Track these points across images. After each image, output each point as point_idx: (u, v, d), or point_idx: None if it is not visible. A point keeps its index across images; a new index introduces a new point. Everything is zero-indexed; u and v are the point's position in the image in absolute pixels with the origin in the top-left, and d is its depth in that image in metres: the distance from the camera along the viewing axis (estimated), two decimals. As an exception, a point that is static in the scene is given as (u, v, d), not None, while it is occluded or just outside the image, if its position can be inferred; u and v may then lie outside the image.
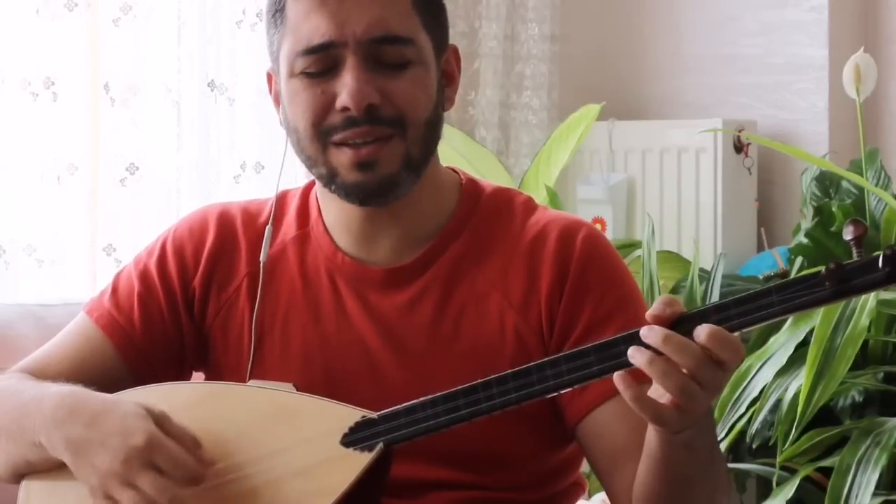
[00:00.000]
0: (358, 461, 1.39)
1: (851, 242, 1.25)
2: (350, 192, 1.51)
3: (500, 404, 1.35)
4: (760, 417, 2.58)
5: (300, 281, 1.58)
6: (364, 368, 1.54)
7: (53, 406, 1.45)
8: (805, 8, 3.43)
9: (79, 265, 2.87)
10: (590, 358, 1.32)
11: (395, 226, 1.56)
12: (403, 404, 1.39)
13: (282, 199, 1.64)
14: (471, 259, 1.56)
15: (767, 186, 3.49)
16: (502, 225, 1.58)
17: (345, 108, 1.47)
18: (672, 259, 3.20)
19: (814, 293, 1.26)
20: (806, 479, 2.60)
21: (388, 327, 1.54)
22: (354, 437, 1.40)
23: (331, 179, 1.51)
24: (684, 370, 1.27)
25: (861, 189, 2.95)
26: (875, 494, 2.41)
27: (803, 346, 2.53)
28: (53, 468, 1.46)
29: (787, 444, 2.49)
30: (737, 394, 2.59)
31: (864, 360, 2.70)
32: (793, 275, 2.93)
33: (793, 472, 2.61)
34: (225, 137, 3.04)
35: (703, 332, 1.27)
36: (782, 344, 2.57)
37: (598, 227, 3.38)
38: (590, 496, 1.70)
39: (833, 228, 2.89)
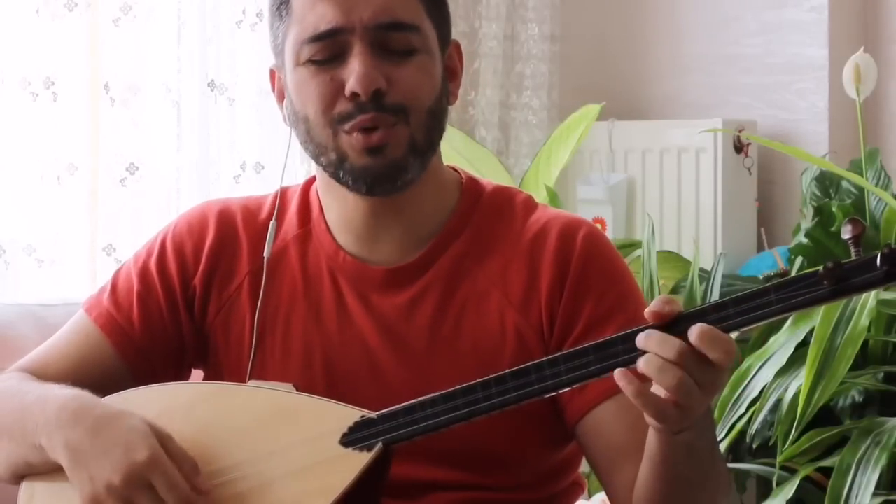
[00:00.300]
0: (357, 461, 1.39)
1: (849, 241, 1.25)
2: (358, 177, 1.50)
3: (498, 404, 1.35)
4: (760, 417, 2.58)
5: (301, 280, 1.58)
6: (365, 368, 1.54)
7: (57, 408, 1.45)
8: (805, 8, 3.43)
9: (79, 265, 2.87)
10: (588, 357, 1.32)
11: (398, 223, 1.55)
12: (402, 404, 1.39)
13: (282, 196, 1.63)
14: (472, 258, 1.56)
15: (767, 186, 3.49)
16: (503, 223, 1.58)
17: (354, 94, 1.47)
18: (672, 259, 3.20)
19: (812, 292, 1.26)
20: (806, 479, 2.60)
21: (389, 327, 1.54)
22: (353, 437, 1.40)
23: (340, 165, 1.51)
24: (678, 367, 1.26)
25: (861, 189, 2.95)
26: (875, 494, 2.41)
27: (803, 346, 2.53)
28: (54, 470, 1.45)
29: (787, 444, 2.49)
30: (737, 394, 2.59)
31: (864, 360, 2.70)
32: (793, 275, 2.93)
33: (793, 472, 2.60)
34: (225, 137, 3.04)
35: (693, 331, 1.27)
36: (782, 344, 2.57)
37: (598, 227, 3.37)
38: (590, 496, 1.70)
39: (833, 228, 2.89)
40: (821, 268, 1.24)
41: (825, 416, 2.65)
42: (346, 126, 1.49)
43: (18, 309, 2.20)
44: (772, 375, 2.56)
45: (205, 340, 1.61)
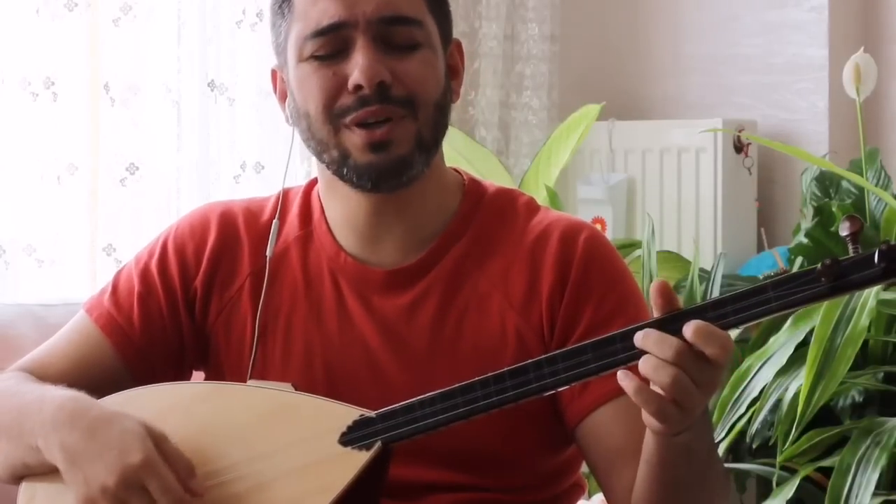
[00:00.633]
0: (356, 460, 1.39)
1: (847, 238, 1.25)
2: (362, 174, 1.50)
3: (497, 402, 1.35)
4: (760, 417, 2.58)
5: (303, 281, 1.58)
6: (365, 369, 1.54)
7: (54, 409, 1.45)
8: (805, 8, 3.43)
9: (79, 265, 2.87)
10: (587, 356, 1.32)
11: (400, 222, 1.55)
12: (401, 403, 1.39)
13: (284, 197, 1.63)
14: (473, 260, 1.56)
15: (767, 186, 3.49)
16: (505, 225, 1.57)
17: (357, 87, 1.47)
18: (672, 259, 3.20)
19: (810, 289, 1.26)
20: (806, 479, 2.60)
21: (390, 329, 1.54)
22: (352, 436, 1.40)
23: (343, 162, 1.50)
24: (672, 365, 1.26)
25: (861, 189, 2.95)
26: (875, 494, 2.41)
27: (803, 346, 2.53)
28: (51, 471, 1.45)
29: (787, 444, 2.49)
30: (737, 394, 2.59)
31: (864, 360, 2.70)
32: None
33: (793, 472, 2.60)
34: (225, 137, 3.04)
35: (689, 327, 1.27)
36: (782, 344, 2.57)
37: (598, 227, 3.37)
38: (589, 496, 1.70)
39: (833, 228, 2.89)
40: (819, 265, 1.24)
41: (825, 416, 2.65)
42: (347, 119, 1.48)
43: (18, 309, 2.20)
44: (772, 375, 2.56)
45: (205, 342, 1.61)
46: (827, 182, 3.10)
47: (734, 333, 1.34)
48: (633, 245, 3.14)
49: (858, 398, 2.75)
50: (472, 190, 1.60)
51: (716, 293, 2.94)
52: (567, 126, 3.15)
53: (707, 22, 3.60)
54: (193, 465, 1.41)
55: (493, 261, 1.55)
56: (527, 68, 3.57)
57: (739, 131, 3.37)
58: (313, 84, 1.50)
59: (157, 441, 1.40)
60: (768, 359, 2.58)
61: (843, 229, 1.25)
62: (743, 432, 2.60)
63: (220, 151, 3.03)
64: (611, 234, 3.41)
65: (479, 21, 3.50)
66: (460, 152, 3.08)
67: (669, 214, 3.45)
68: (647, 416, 1.31)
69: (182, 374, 1.63)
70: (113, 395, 1.50)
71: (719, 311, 1.28)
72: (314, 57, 1.50)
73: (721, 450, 2.59)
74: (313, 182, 1.63)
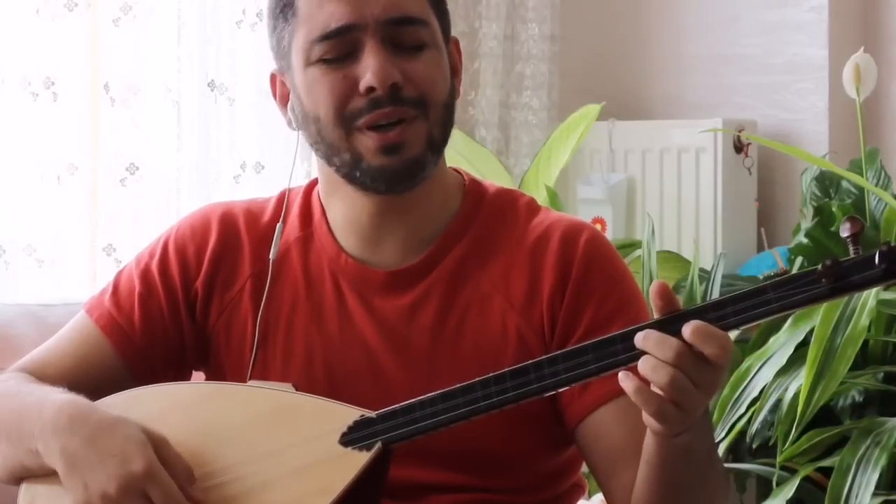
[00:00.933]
0: (356, 460, 1.39)
1: (848, 239, 1.25)
2: (377, 177, 1.50)
3: (498, 403, 1.35)
4: (760, 417, 2.58)
5: (303, 282, 1.58)
6: (366, 371, 1.54)
7: (54, 413, 1.44)
8: (805, 8, 3.43)
9: (79, 265, 2.87)
10: (587, 356, 1.32)
11: (402, 223, 1.55)
12: (401, 403, 1.39)
13: (285, 198, 1.63)
14: (474, 260, 1.55)
15: (767, 186, 3.49)
16: (506, 226, 1.57)
17: (369, 89, 1.47)
18: (672, 259, 3.20)
19: (810, 290, 1.26)
20: (806, 479, 2.60)
21: (391, 330, 1.54)
22: (353, 437, 1.40)
23: (355, 165, 1.50)
24: (671, 365, 1.27)
25: (861, 189, 2.95)
26: (875, 494, 2.41)
27: (803, 346, 2.53)
28: (52, 474, 1.45)
29: (787, 444, 2.49)
30: (737, 394, 2.59)
31: (864, 360, 2.70)
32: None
33: (793, 472, 2.60)
34: (225, 137, 3.04)
35: (687, 328, 1.27)
36: (782, 344, 2.57)
37: (598, 227, 3.38)
38: (589, 496, 1.70)
39: (833, 228, 2.89)
40: (819, 266, 1.24)
41: (825, 416, 2.65)
42: (359, 122, 1.48)
43: (18, 309, 2.20)
44: (772, 375, 2.56)
45: (206, 343, 1.61)
46: (827, 182, 3.10)
47: (734, 334, 1.34)
48: (633, 245, 3.14)
49: (858, 398, 2.75)
50: (473, 190, 1.60)
51: (716, 293, 2.94)
52: (567, 126, 3.15)
53: (707, 22, 3.60)
54: (193, 471, 1.41)
55: (493, 261, 1.55)
56: (527, 68, 3.57)
57: (739, 131, 3.37)
58: (323, 88, 1.49)
59: (158, 446, 1.40)
60: (768, 359, 2.58)
61: (844, 230, 1.25)
62: (743, 432, 2.60)
63: (220, 151, 3.03)
64: (611, 234, 3.41)
65: (479, 21, 3.50)
66: (460, 152, 3.08)
67: (669, 214, 3.45)
68: (646, 417, 1.31)
69: (182, 375, 1.63)
70: (113, 395, 1.50)
71: (719, 312, 1.28)
72: (322, 60, 1.49)
73: (721, 450, 2.59)
74: (314, 183, 1.63)
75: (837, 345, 2.45)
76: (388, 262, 1.56)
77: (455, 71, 1.57)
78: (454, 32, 1.60)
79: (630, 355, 1.30)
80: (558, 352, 1.35)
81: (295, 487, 1.40)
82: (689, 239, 3.37)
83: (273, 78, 1.59)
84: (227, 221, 1.62)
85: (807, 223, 3.01)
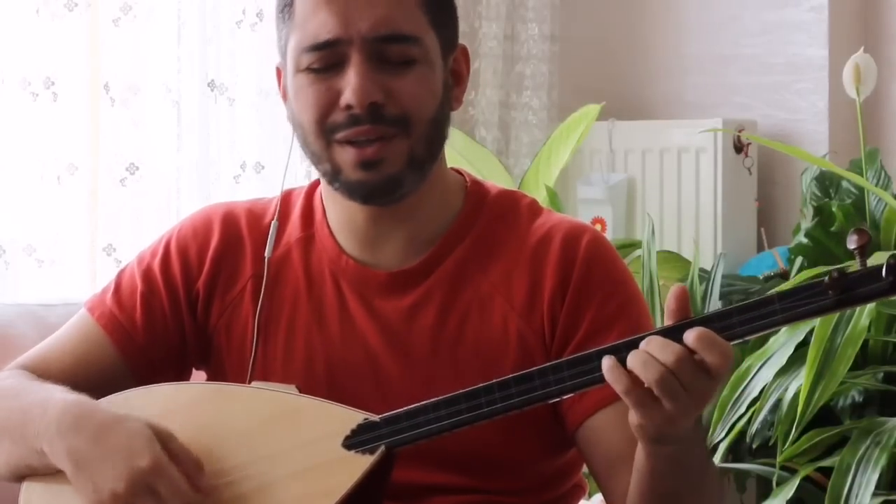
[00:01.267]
0: (359, 464, 1.39)
1: (855, 251, 1.25)
2: (354, 191, 1.50)
3: (501, 408, 1.35)
4: (760, 417, 2.58)
5: (304, 283, 1.58)
6: (367, 372, 1.54)
7: (58, 414, 1.44)
8: (805, 8, 3.43)
9: (79, 265, 2.86)
10: (592, 364, 1.32)
11: (401, 227, 1.55)
12: (406, 408, 1.39)
13: (286, 199, 1.63)
14: (475, 262, 1.55)
15: (767, 186, 3.49)
16: (507, 228, 1.57)
17: (348, 106, 1.47)
18: (672, 259, 3.20)
19: (817, 302, 1.26)
20: (806, 479, 2.60)
21: (392, 331, 1.54)
22: (356, 440, 1.40)
23: (335, 177, 1.51)
24: (667, 367, 1.27)
25: (861, 189, 2.95)
26: (875, 494, 2.41)
27: (803, 346, 2.53)
28: (55, 472, 1.45)
29: (787, 444, 2.49)
30: (737, 394, 2.59)
31: (864, 360, 2.70)
32: (793, 275, 2.93)
33: (793, 472, 2.61)
34: (225, 137, 3.04)
35: (692, 334, 1.27)
36: (782, 344, 2.57)
37: (598, 227, 3.38)
38: (589, 497, 1.70)
39: (833, 228, 2.89)
40: (826, 277, 1.24)
41: (825, 416, 2.65)
42: (339, 136, 1.48)
43: (18, 309, 2.19)
44: (772, 375, 2.56)
45: (207, 343, 1.61)
46: (827, 182, 3.10)
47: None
48: (633, 245, 3.14)
49: (858, 398, 2.75)
50: (475, 192, 1.60)
51: (716, 293, 2.94)
52: (567, 126, 3.15)
53: (707, 22, 3.60)
54: (201, 462, 1.41)
55: (495, 263, 1.55)
56: (527, 68, 3.57)
57: (739, 131, 3.37)
58: (308, 97, 1.50)
59: (164, 441, 1.40)
60: (768, 359, 2.58)
61: (851, 242, 1.25)
62: (743, 432, 2.61)
63: (220, 151, 3.03)
64: (611, 234, 3.41)
65: (479, 21, 3.50)
66: (460, 152, 3.08)
67: (669, 214, 3.45)
68: (631, 416, 1.31)
69: (183, 375, 1.63)
70: (114, 394, 1.50)
71: (725, 322, 1.28)
72: (310, 69, 1.50)
73: (721, 450, 2.59)
74: (316, 183, 1.63)
75: (837, 345, 2.45)
76: (389, 264, 1.56)
77: (459, 79, 1.57)
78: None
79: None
80: (563, 359, 1.35)
81: (298, 490, 1.40)
82: (689, 239, 3.37)
83: (278, 72, 1.59)
84: (229, 222, 1.62)
85: (807, 223, 3.01)
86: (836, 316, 2.47)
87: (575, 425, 1.52)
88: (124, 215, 2.90)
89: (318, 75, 1.49)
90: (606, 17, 3.76)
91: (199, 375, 1.66)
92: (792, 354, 2.55)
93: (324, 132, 1.49)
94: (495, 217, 1.58)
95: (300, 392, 1.46)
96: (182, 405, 1.47)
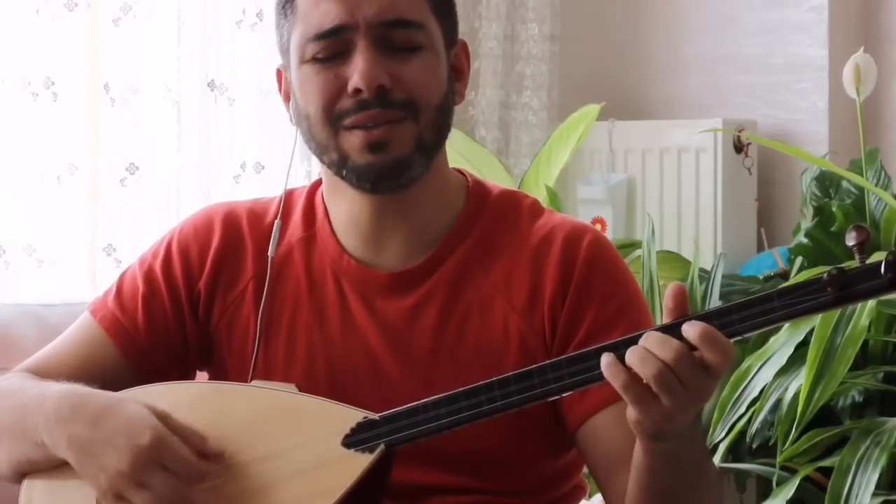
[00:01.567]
0: (359, 462, 1.39)
1: (854, 248, 1.25)
2: (361, 175, 1.50)
3: (501, 406, 1.35)
4: (760, 417, 2.58)
5: (306, 283, 1.58)
6: (368, 372, 1.54)
7: (55, 404, 1.45)
8: (805, 8, 3.43)
9: (79, 265, 2.86)
10: (592, 361, 1.32)
11: (403, 224, 1.55)
12: (405, 406, 1.40)
13: (288, 198, 1.63)
14: (476, 262, 1.55)
15: (767, 186, 3.49)
16: (509, 228, 1.57)
17: (356, 91, 1.47)
18: (672, 259, 3.20)
19: (816, 299, 1.26)
20: (806, 479, 2.60)
21: (393, 332, 1.54)
22: (356, 439, 1.40)
23: (342, 164, 1.51)
24: (665, 363, 1.27)
25: (861, 189, 2.95)
26: (875, 494, 2.41)
27: (803, 346, 2.53)
28: (56, 467, 1.46)
29: (787, 444, 2.49)
30: (737, 394, 2.59)
31: (864, 360, 2.71)
32: (793, 275, 2.93)
33: (793, 472, 2.61)
34: (225, 137, 3.04)
35: (695, 330, 1.27)
36: (782, 344, 2.57)
37: (598, 227, 3.38)
38: (590, 497, 1.70)
39: (833, 228, 2.89)
40: (825, 274, 1.24)
41: (825, 416, 2.65)
42: (347, 122, 1.48)
43: (18, 309, 2.19)
44: (772, 375, 2.56)
45: (209, 343, 1.61)
46: (827, 182, 3.10)
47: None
48: (633, 245, 3.14)
49: (858, 398, 2.75)
50: (476, 192, 1.60)
51: (716, 293, 2.94)
52: (567, 126, 3.15)
53: (707, 22, 3.60)
54: (204, 434, 1.41)
55: (496, 263, 1.55)
56: (527, 68, 3.57)
57: (739, 131, 3.37)
58: (314, 86, 1.50)
59: (162, 418, 1.40)
60: (768, 359, 2.58)
61: (850, 239, 1.25)
62: (743, 432, 2.61)
63: (220, 151, 3.03)
64: (611, 234, 3.41)
65: (479, 21, 3.50)
66: (460, 152, 3.08)
67: (669, 214, 3.45)
68: (629, 412, 1.31)
69: (186, 375, 1.63)
70: (115, 394, 1.50)
71: (725, 319, 1.28)
72: (315, 59, 1.50)
73: (721, 450, 2.59)
74: (318, 183, 1.63)
75: (837, 345, 2.45)
76: (391, 264, 1.56)
77: (460, 74, 1.57)
78: (455, 32, 1.60)
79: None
80: (562, 357, 1.35)
81: (297, 488, 1.40)
82: (689, 239, 3.37)
83: (279, 74, 1.60)
84: (231, 222, 1.62)
85: (807, 223, 3.01)
86: (835, 316, 2.47)
87: (575, 426, 1.52)
88: (124, 215, 2.90)
89: (323, 64, 1.49)
90: (606, 17, 3.76)
91: (202, 377, 1.66)
92: (792, 354, 2.55)
93: (331, 120, 1.49)
94: (497, 217, 1.58)
95: (300, 391, 1.46)
96: (182, 404, 1.47)
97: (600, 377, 1.31)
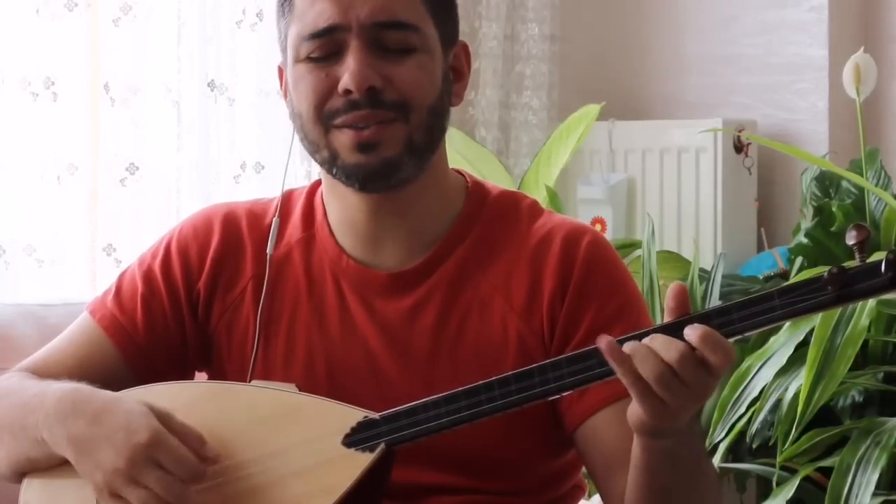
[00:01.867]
0: (359, 462, 1.39)
1: (854, 247, 1.25)
2: (350, 174, 1.50)
3: (501, 406, 1.35)
4: (760, 417, 2.58)
5: (305, 284, 1.58)
6: (367, 372, 1.54)
7: (56, 402, 1.45)
8: (805, 8, 3.43)
9: (79, 265, 2.87)
10: (591, 360, 1.32)
11: (401, 225, 1.55)
12: (405, 405, 1.40)
13: (287, 198, 1.64)
14: (475, 263, 1.55)
15: (767, 186, 3.50)
16: (508, 228, 1.57)
17: (347, 91, 1.47)
18: (672, 259, 3.20)
19: (816, 297, 1.26)
20: (806, 479, 2.60)
21: (392, 332, 1.54)
22: (356, 438, 1.40)
23: (332, 163, 1.51)
24: (668, 363, 1.27)
25: (861, 189, 2.95)
26: (875, 494, 2.41)
27: (803, 346, 2.53)
28: (55, 466, 1.46)
29: (787, 444, 2.49)
30: (737, 394, 2.59)
31: (864, 360, 2.70)
32: (793, 275, 2.93)
33: (793, 472, 2.61)
34: (225, 137, 3.04)
35: (696, 332, 1.27)
36: (782, 344, 2.57)
37: (598, 227, 3.38)
38: (589, 497, 1.71)
39: (833, 228, 2.89)
40: (825, 273, 1.24)
41: (825, 416, 2.65)
42: (337, 121, 1.49)
43: (18, 309, 2.19)
44: (772, 375, 2.56)
45: (208, 343, 1.61)
46: (827, 182, 3.10)
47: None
48: (633, 245, 3.14)
49: (858, 398, 2.75)
50: (476, 192, 1.60)
51: (716, 293, 2.94)
52: (567, 126, 3.15)
53: (707, 22, 3.60)
54: (203, 435, 1.41)
55: (495, 264, 1.55)
56: (527, 68, 3.57)
57: (739, 131, 3.37)
58: (306, 85, 1.50)
59: (162, 417, 1.40)
60: (768, 359, 2.58)
61: (850, 238, 1.25)
62: (743, 432, 2.60)
63: (220, 151, 3.03)
64: (611, 234, 3.41)
65: (479, 21, 3.50)
66: (460, 152, 3.09)
67: (669, 214, 3.45)
68: (630, 409, 1.31)
69: (185, 376, 1.64)
70: (116, 393, 1.50)
71: (724, 319, 1.28)
72: (309, 58, 1.50)
73: (721, 450, 2.59)
74: (317, 184, 1.63)
75: (837, 345, 2.45)
76: (390, 264, 1.56)
77: (459, 75, 1.57)
78: (455, 33, 1.59)
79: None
80: (562, 356, 1.35)
81: (297, 487, 1.40)
82: (689, 239, 3.37)
83: (280, 71, 1.60)
84: (230, 222, 1.62)
85: (807, 223, 3.01)
86: (836, 315, 2.47)
87: (573, 426, 1.52)
88: (124, 215, 2.90)
89: (316, 64, 1.50)
90: (607, 16, 3.76)
91: (201, 377, 1.66)
92: (792, 354, 2.55)
93: (321, 118, 1.50)
94: (496, 218, 1.58)
95: (300, 391, 1.46)
96: (182, 404, 1.47)
97: (600, 376, 1.32)
